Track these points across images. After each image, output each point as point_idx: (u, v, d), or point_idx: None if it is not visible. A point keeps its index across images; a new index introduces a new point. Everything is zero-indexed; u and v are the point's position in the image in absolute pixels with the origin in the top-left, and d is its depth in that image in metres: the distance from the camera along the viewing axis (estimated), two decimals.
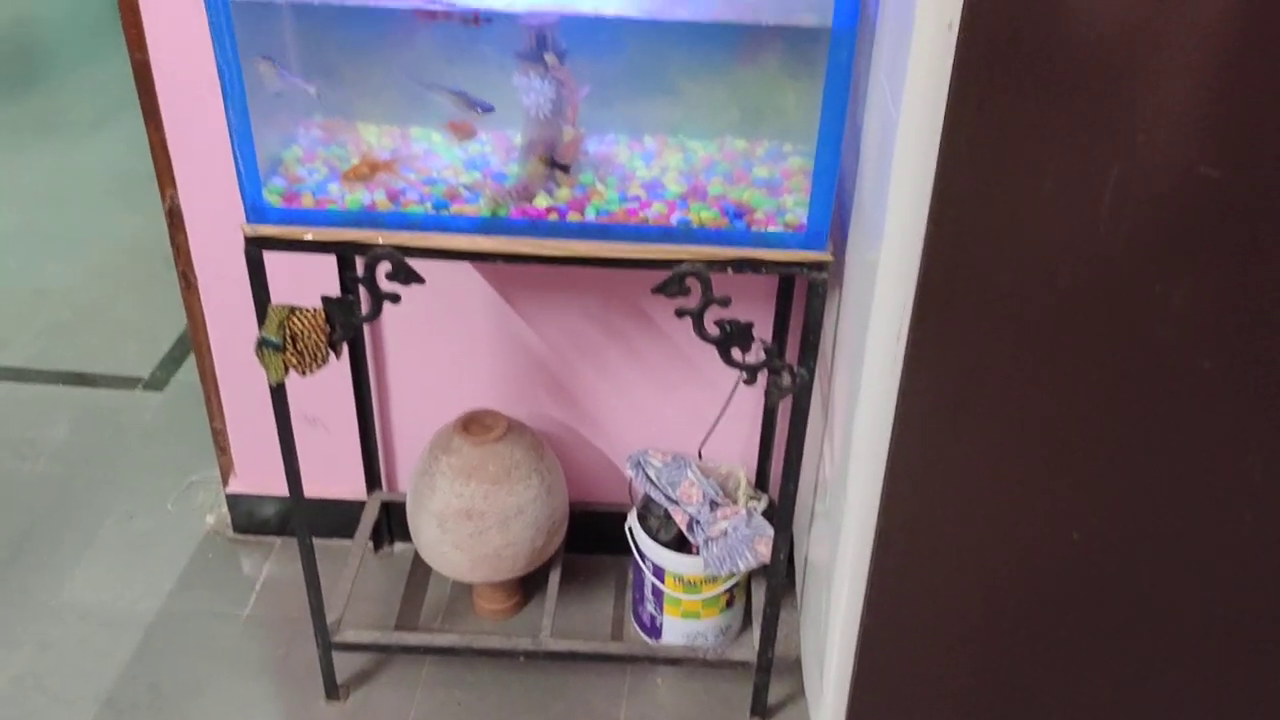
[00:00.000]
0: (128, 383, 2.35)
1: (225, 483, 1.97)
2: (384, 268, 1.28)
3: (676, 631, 1.72)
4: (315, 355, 1.33)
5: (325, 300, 1.32)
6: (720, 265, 1.26)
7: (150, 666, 1.73)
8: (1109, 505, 1.20)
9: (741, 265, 1.26)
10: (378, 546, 1.95)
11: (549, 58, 1.20)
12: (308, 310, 1.32)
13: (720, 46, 1.27)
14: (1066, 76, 0.96)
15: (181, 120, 1.60)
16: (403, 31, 1.26)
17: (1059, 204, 1.02)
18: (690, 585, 1.67)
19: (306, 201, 1.28)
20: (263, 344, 1.32)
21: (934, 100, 0.99)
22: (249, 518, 1.98)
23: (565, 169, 1.28)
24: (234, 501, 1.97)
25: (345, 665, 1.71)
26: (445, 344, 1.77)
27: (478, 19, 1.17)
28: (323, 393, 1.80)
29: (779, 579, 1.52)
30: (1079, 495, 1.19)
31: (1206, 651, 1.29)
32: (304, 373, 1.34)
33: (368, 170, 1.26)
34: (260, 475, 1.94)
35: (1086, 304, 1.07)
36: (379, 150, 1.35)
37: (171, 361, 2.41)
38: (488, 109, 1.23)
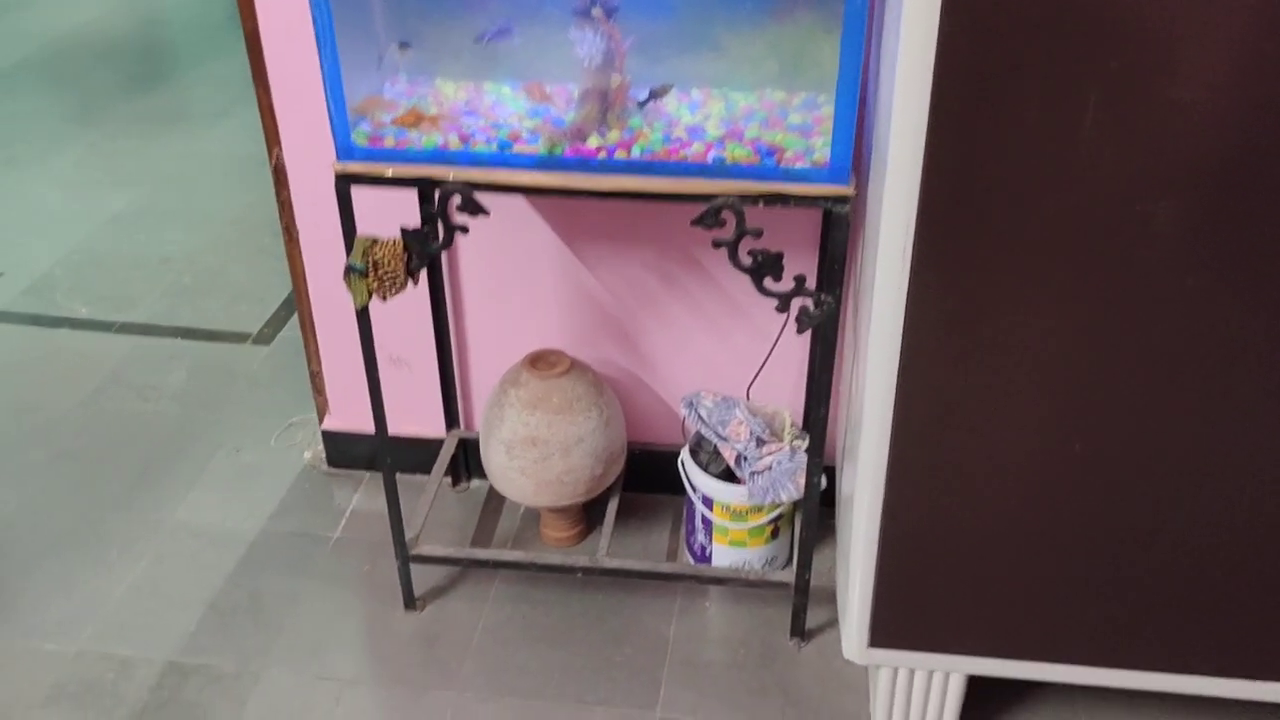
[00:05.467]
0: (239, 337, 2.59)
1: (321, 421, 2.17)
2: (455, 202, 1.45)
3: (724, 559, 1.85)
4: (394, 281, 1.51)
5: (403, 231, 1.49)
6: (752, 199, 1.39)
7: (251, 578, 1.93)
8: (1104, 417, 1.29)
9: (771, 199, 1.39)
10: (455, 482, 2.12)
11: (595, 12, 1.35)
12: (388, 241, 1.50)
13: (759, 2, 1.40)
14: (1045, 10, 1.07)
15: (287, 83, 1.80)
16: None
17: (1043, 128, 1.12)
18: (737, 514, 1.80)
19: (389, 143, 1.46)
20: (349, 270, 1.49)
21: (927, 37, 1.11)
22: (341, 453, 2.17)
23: (651, 99, 1.44)
24: (328, 438, 2.16)
25: (422, 581, 1.88)
26: (516, 292, 1.93)
27: None
28: (406, 336, 1.98)
29: (813, 501, 1.64)
30: (1076, 407, 1.29)
31: (1210, 555, 1.36)
32: (384, 297, 1.52)
33: (413, 120, 1.44)
34: (352, 415, 2.13)
35: (1074, 224, 1.17)
36: (455, 102, 1.52)
37: (278, 320, 2.64)
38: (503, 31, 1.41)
